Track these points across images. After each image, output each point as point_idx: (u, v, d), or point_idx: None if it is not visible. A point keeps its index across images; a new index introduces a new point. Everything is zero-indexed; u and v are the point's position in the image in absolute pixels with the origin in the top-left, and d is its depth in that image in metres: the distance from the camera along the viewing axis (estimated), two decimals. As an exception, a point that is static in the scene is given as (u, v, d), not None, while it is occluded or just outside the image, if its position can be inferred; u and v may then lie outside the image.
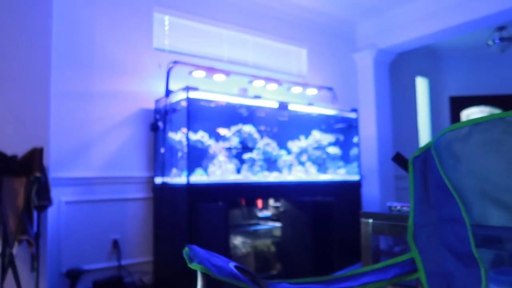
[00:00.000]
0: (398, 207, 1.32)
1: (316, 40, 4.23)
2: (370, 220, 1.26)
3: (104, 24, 2.89)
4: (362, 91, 4.52)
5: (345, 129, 3.78)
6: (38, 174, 2.09)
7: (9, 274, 1.87)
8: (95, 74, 2.83)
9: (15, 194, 2.08)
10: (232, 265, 0.94)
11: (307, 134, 3.58)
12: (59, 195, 2.58)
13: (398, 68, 4.98)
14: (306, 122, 3.62)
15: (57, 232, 2.58)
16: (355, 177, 3.55)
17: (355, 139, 3.67)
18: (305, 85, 3.77)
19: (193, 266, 0.85)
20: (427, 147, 0.94)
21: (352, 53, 4.54)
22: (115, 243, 2.79)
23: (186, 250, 0.93)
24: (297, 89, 3.75)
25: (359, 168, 3.60)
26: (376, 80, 4.44)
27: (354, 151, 3.67)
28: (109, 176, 2.82)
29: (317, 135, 3.58)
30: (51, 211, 2.43)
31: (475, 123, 0.81)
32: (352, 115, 3.71)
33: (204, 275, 0.85)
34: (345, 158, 3.70)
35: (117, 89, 2.91)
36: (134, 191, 2.92)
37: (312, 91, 3.87)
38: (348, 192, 3.39)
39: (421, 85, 5.52)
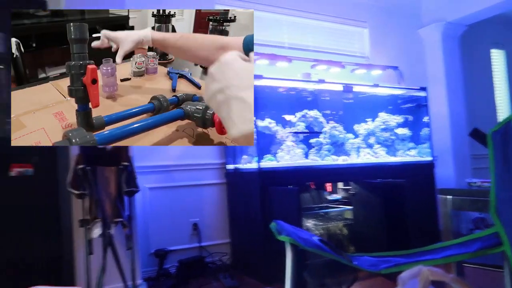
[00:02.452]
0: (478, 183, 1.30)
1: (377, 18, 4.10)
2: (449, 197, 1.26)
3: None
4: (430, 68, 4.31)
5: (414, 108, 3.65)
6: (125, 163, 2.33)
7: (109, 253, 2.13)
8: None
9: (108, 181, 2.33)
10: (315, 238, 1.02)
11: (374, 116, 3.53)
12: (143, 182, 2.83)
13: (470, 41, 4.66)
14: (372, 103, 3.56)
15: (143, 216, 2.85)
16: (427, 158, 3.44)
17: (425, 119, 3.54)
18: (369, 66, 3.70)
19: (282, 238, 0.94)
20: (507, 121, 0.93)
21: (417, 29, 4.34)
22: (195, 226, 3.01)
23: (273, 224, 1.02)
24: (360, 71, 3.69)
25: (431, 148, 3.47)
26: (445, 55, 4.21)
27: (425, 131, 3.55)
28: (186, 164, 3.03)
29: (384, 116, 3.51)
30: (137, 197, 2.68)
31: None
32: (421, 94, 3.57)
33: (293, 246, 0.93)
34: (416, 139, 3.59)
35: (188, 83, 3.09)
36: (209, 177, 3.12)
37: (376, 72, 3.79)
38: (421, 174, 3.30)
39: (497, 58, 5.12)
